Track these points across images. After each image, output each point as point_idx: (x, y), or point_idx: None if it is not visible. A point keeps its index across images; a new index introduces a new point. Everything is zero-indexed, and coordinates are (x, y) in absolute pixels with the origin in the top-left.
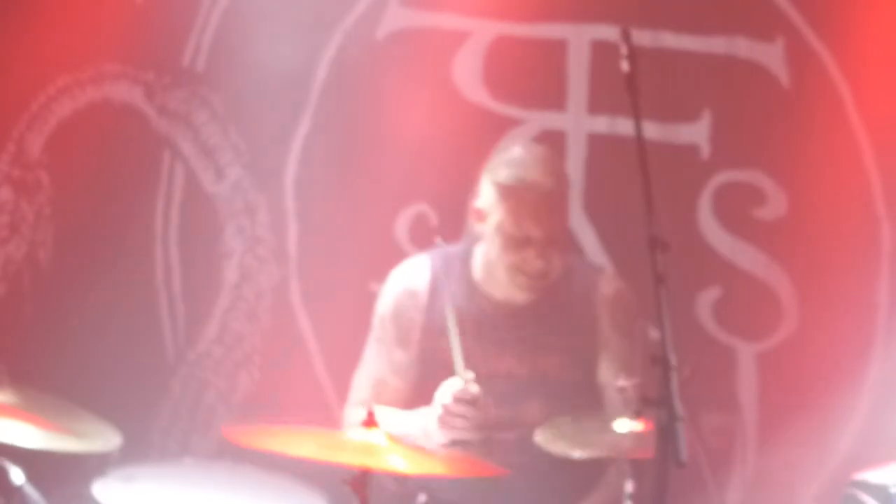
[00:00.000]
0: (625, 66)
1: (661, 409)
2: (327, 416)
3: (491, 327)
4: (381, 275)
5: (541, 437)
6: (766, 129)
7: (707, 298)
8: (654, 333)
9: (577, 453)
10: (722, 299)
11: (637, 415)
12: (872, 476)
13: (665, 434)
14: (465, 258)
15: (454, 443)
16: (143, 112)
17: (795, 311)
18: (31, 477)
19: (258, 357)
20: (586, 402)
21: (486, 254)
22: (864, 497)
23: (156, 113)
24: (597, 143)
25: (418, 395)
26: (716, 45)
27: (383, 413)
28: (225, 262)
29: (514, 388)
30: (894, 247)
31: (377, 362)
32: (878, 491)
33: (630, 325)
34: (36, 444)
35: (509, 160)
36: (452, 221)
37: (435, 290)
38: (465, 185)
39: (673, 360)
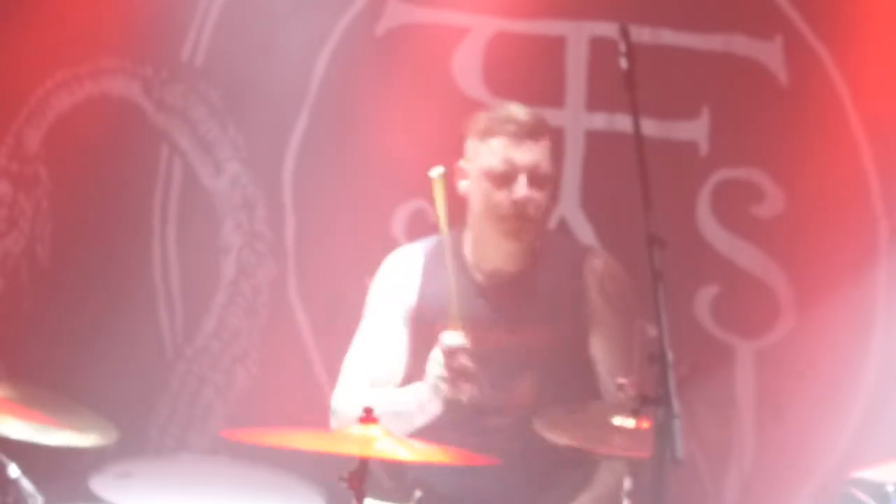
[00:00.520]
0: (623, 63)
1: (659, 407)
2: (324, 411)
3: (482, 300)
4: (378, 270)
5: (537, 425)
6: (764, 127)
7: (705, 296)
8: (651, 331)
9: (570, 442)
10: (720, 297)
11: (635, 412)
12: (870, 474)
13: (662, 431)
14: (457, 243)
15: (452, 403)
16: (142, 107)
17: (793, 308)
18: (27, 471)
19: (255, 352)
20: (580, 384)
21: (473, 220)
22: (862, 495)
23: (154, 107)
24: (595, 140)
25: (409, 379)
26: (714, 42)
27: (376, 394)
28: (223, 257)
29: (506, 364)
30: (891, 244)
31: (369, 346)
32: (876, 489)
33: (621, 301)
34: (32, 438)
35: (489, 114)
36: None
37: (428, 274)
38: None
39: (671, 357)
